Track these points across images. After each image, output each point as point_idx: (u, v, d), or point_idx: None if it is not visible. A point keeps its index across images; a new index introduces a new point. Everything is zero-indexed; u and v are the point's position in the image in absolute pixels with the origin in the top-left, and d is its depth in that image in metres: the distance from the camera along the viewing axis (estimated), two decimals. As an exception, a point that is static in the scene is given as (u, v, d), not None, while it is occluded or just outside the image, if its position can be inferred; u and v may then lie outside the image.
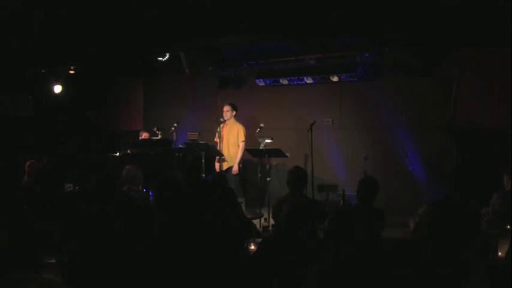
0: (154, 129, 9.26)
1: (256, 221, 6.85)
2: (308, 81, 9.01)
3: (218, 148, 8.00)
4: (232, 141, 8.17)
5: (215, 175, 6.22)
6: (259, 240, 5.09)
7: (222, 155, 8.00)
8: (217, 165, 8.20)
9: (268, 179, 7.54)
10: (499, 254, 3.99)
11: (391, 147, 8.45)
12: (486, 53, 7.71)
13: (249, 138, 8.18)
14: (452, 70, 7.99)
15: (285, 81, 9.21)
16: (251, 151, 7.74)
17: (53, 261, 3.94)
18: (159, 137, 9.10)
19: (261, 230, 6.78)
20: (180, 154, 8.63)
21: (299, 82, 9.11)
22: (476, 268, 2.01)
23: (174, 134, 8.36)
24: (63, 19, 7.36)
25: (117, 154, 9.11)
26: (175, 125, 8.36)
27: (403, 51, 8.07)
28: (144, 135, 9.60)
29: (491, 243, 4.23)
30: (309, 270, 2.68)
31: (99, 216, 4.13)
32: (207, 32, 7.54)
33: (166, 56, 9.02)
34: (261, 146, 7.71)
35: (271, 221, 6.56)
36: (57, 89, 10.09)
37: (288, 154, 7.41)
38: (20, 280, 2.22)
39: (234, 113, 8.32)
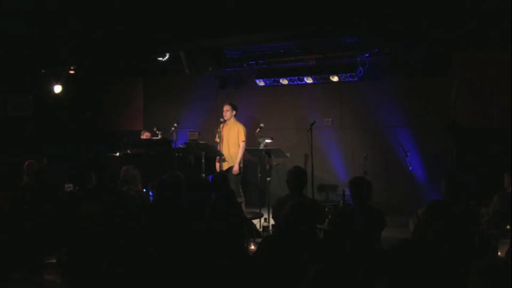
0: (154, 129, 9.24)
1: (256, 221, 6.84)
2: (308, 81, 9.00)
3: (218, 148, 8.00)
4: (232, 141, 8.16)
5: (216, 175, 6.21)
6: (259, 240, 5.09)
7: (222, 155, 7.99)
8: (217, 165, 8.19)
9: (268, 179, 7.53)
10: (499, 254, 3.99)
11: (391, 147, 8.45)
12: (486, 53, 7.70)
13: (249, 138, 8.17)
14: (452, 70, 7.99)
15: (285, 81, 9.21)
16: (251, 151, 7.74)
17: (53, 261, 3.94)
18: (159, 137, 9.10)
19: (261, 230, 6.78)
20: (180, 154, 8.62)
21: (299, 82, 9.10)
22: (476, 268, 2.01)
23: (174, 134, 8.35)
24: (63, 19, 7.37)
25: (117, 154, 9.10)
26: (175, 125, 8.35)
27: (403, 51, 8.06)
28: (146, 134, 9.60)
29: (491, 243, 4.24)
30: (308, 270, 2.68)
31: (100, 217, 4.13)
32: (207, 32, 7.54)
33: (166, 56, 9.01)
34: (261, 146, 7.71)
35: (271, 221, 6.55)
36: (57, 89, 10.09)
37: (288, 154, 7.40)
38: (21, 281, 2.22)
39: (234, 112, 8.31)
